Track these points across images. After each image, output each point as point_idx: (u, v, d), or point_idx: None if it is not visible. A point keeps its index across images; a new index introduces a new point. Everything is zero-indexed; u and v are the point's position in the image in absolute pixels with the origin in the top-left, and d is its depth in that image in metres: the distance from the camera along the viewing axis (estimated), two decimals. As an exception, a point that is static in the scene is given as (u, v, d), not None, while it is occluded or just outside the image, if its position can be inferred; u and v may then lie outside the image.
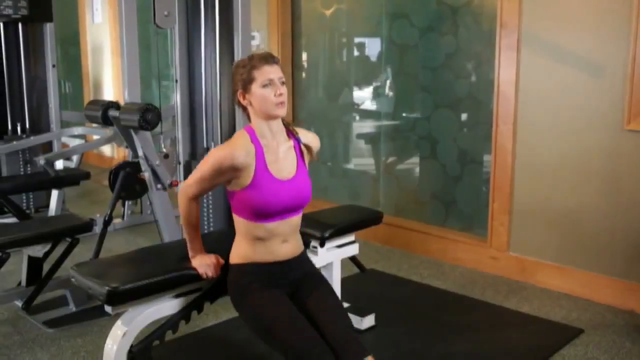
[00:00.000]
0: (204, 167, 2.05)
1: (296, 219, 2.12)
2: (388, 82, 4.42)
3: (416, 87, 4.19)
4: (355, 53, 4.63)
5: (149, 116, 3.15)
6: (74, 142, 5.41)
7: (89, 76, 7.20)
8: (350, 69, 4.68)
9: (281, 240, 2.08)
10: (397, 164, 4.47)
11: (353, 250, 3.04)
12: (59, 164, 4.82)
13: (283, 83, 2.04)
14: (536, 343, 2.83)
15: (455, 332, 2.91)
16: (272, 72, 2.02)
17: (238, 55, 3.36)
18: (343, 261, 3.02)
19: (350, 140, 4.73)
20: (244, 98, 2.05)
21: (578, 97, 3.23)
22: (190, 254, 2.21)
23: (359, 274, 3.48)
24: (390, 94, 4.41)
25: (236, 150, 1.99)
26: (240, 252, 2.10)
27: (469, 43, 3.85)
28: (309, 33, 4.84)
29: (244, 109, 2.09)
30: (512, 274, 3.59)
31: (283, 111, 2.03)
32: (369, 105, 4.58)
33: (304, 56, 4.90)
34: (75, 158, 4.85)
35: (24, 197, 4.74)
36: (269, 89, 2.00)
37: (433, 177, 4.16)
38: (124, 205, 4.68)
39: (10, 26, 4.68)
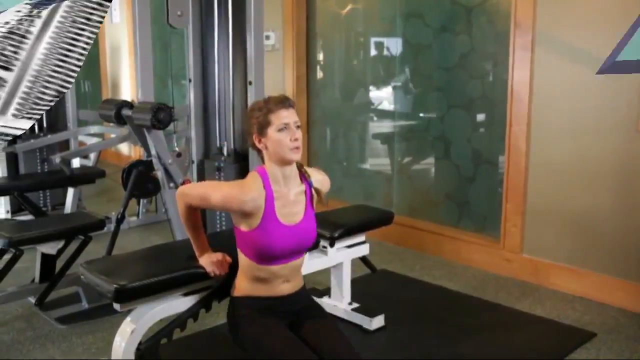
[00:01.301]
0: (213, 193, 2.05)
1: (299, 261, 2.15)
2: (402, 82, 4.40)
3: (430, 87, 4.17)
4: (370, 53, 4.62)
5: (161, 115, 3.17)
6: (92, 141, 5.47)
7: (107, 75, 7.27)
8: (365, 68, 4.66)
9: (282, 281, 2.11)
10: (411, 164, 4.46)
11: (363, 250, 3.04)
12: (76, 163, 4.87)
13: (299, 127, 2.03)
14: (547, 346, 2.80)
15: (465, 334, 2.88)
16: (288, 117, 2.01)
17: (251, 55, 3.37)
18: (354, 261, 3.02)
19: (364, 140, 4.72)
20: (259, 141, 2.04)
21: (592, 98, 3.20)
22: (196, 253, 2.22)
23: (370, 274, 3.48)
24: (404, 94, 4.40)
25: (247, 195, 1.99)
26: (240, 287, 2.14)
27: (483, 43, 3.82)
28: (323, 33, 4.84)
29: (259, 151, 2.08)
30: (524, 275, 3.56)
31: (298, 156, 2.02)
32: (383, 105, 4.57)
33: (319, 56, 4.90)
34: (92, 156, 4.90)
35: (42, 195, 4.80)
36: (284, 133, 1.99)
37: (447, 177, 4.14)
38: (139, 203, 4.72)
39: (29, 26, 4.74)
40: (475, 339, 2.84)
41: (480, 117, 3.94)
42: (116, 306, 2.14)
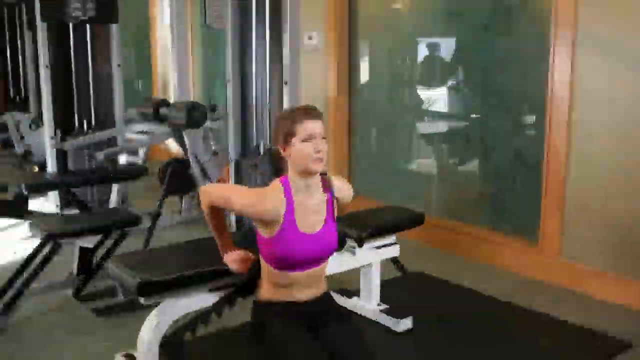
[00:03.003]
0: (233, 198, 2.08)
1: (320, 269, 2.14)
2: (442, 83, 4.35)
3: (470, 88, 4.11)
4: (410, 53, 4.58)
5: (195, 114, 3.22)
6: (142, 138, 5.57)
7: (157, 75, 7.44)
8: (405, 69, 4.63)
9: (303, 287, 2.11)
10: (449, 165, 4.40)
11: (394, 251, 3.01)
12: (122, 159, 4.99)
13: (324, 139, 2.02)
14: (579, 355, 2.72)
15: (495, 340, 2.83)
16: (314, 128, 2.00)
17: (286, 55, 3.38)
18: (388, 263, 2.99)
19: (403, 140, 4.68)
20: (284, 150, 2.04)
21: (637, 99, 3.09)
22: (220, 250, 2.25)
23: (403, 276, 3.46)
24: (445, 95, 4.35)
25: (265, 205, 2.00)
26: (263, 293, 2.15)
27: (523, 42, 3.74)
28: (365, 33, 4.83)
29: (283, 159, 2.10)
30: (562, 281, 3.46)
31: (320, 167, 2.01)
32: (423, 105, 4.52)
33: (360, 56, 4.89)
34: (141, 153, 5.00)
35: (90, 191, 4.94)
36: (309, 144, 1.98)
37: (485, 179, 4.07)
38: (181, 200, 4.81)
39: (79, 27, 4.89)
40: (505, 345, 2.78)
41: (520, 118, 3.86)
42: (141, 300, 2.20)
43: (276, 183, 2.07)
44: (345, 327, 2.12)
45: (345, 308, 2.28)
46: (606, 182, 3.24)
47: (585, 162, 3.33)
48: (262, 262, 2.13)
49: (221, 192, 2.14)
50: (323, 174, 2.11)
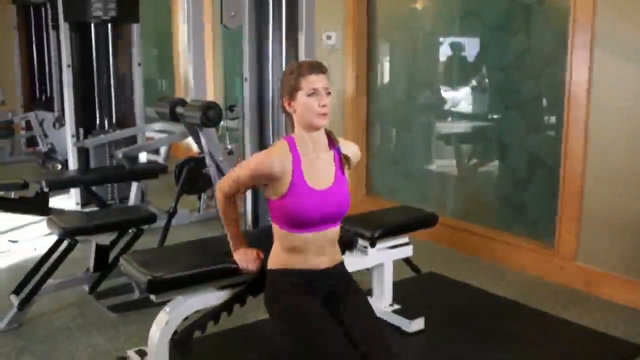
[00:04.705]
0: (241, 170, 2.11)
1: (332, 231, 2.12)
2: (460, 83, 4.33)
3: (486, 88, 4.08)
4: (428, 53, 4.56)
5: (210, 114, 3.25)
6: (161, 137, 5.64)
7: (179, 74, 7.50)
8: (423, 69, 4.61)
9: (317, 252, 2.09)
10: (465, 166, 4.38)
11: (406, 252, 3.00)
12: (143, 158, 5.05)
13: (329, 94, 2.04)
14: (592, 358, 2.69)
15: (505, 341, 2.80)
16: (318, 82, 2.02)
17: (301, 54, 3.41)
18: (402, 263, 2.98)
19: (419, 141, 4.66)
20: (289, 105, 2.07)
21: (654, 100, 3.05)
22: (232, 248, 2.27)
23: (417, 276, 3.45)
24: (462, 95, 4.32)
25: (273, 158, 2.03)
26: (276, 259, 2.14)
27: (540, 42, 3.70)
28: (383, 33, 4.82)
29: (289, 115, 2.11)
30: (577, 284, 3.42)
31: (325, 122, 2.04)
32: (440, 106, 4.50)
33: (378, 56, 4.89)
34: (162, 152, 5.06)
35: (109, 188, 5.01)
36: (313, 99, 2.01)
37: (501, 180, 4.04)
38: (199, 199, 4.86)
39: (100, 27, 4.97)
40: (512, 346, 2.76)
41: (537, 119, 3.82)
42: (152, 297, 2.23)
43: (280, 140, 2.11)
44: (360, 304, 2.10)
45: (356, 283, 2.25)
46: (624, 184, 3.20)
47: (602, 164, 3.28)
48: (275, 227, 2.11)
49: (229, 177, 2.17)
50: (328, 133, 2.13)
